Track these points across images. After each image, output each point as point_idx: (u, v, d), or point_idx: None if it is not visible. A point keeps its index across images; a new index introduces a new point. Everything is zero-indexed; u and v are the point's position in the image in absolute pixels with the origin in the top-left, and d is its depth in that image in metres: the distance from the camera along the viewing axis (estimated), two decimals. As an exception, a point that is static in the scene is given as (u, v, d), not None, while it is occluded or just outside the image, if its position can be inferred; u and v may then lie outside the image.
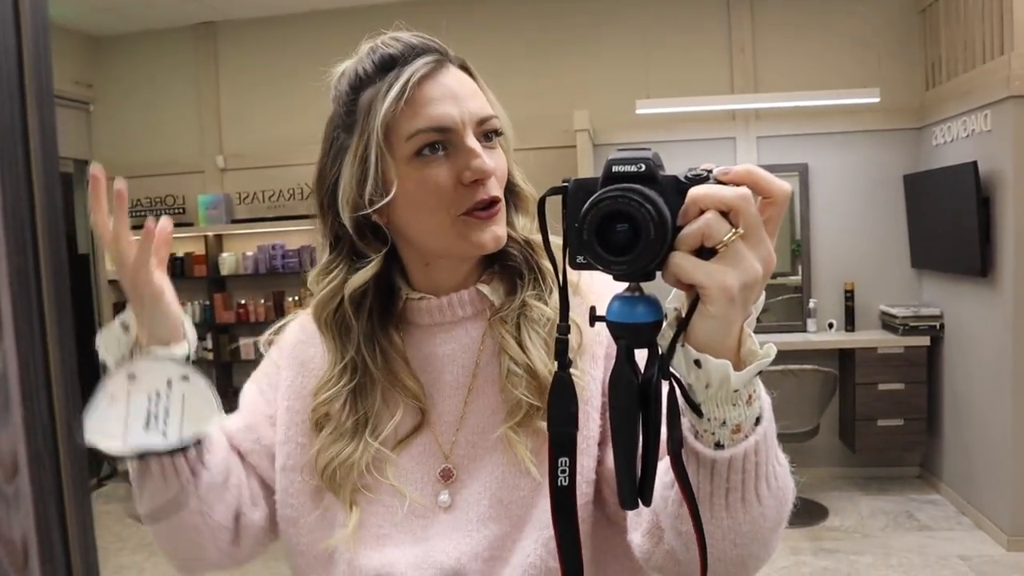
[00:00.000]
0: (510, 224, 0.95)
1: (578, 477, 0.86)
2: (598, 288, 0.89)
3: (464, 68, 0.92)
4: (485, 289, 0.95)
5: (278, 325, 1.04)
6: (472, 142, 0.85)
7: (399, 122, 0.85)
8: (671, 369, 0.65)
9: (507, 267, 0.96)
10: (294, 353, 1.01)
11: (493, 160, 0.88)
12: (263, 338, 1.03)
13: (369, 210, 0.87)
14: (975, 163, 4.03)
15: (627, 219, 0.59)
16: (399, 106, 0.84)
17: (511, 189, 0.95)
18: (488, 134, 0.89)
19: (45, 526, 0.28)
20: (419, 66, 0.86)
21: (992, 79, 4.01)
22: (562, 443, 0.69)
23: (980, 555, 3.92)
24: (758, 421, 0.67)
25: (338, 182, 0.91)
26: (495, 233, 0.88)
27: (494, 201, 0.87)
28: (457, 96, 0.87)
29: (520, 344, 0.91)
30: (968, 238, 4.13)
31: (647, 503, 0.67)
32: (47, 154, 0.27)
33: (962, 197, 4.13)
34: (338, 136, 0.92)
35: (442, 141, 0.86)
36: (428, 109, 0.85)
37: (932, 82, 4.88)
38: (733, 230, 0.59)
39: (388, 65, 0.87)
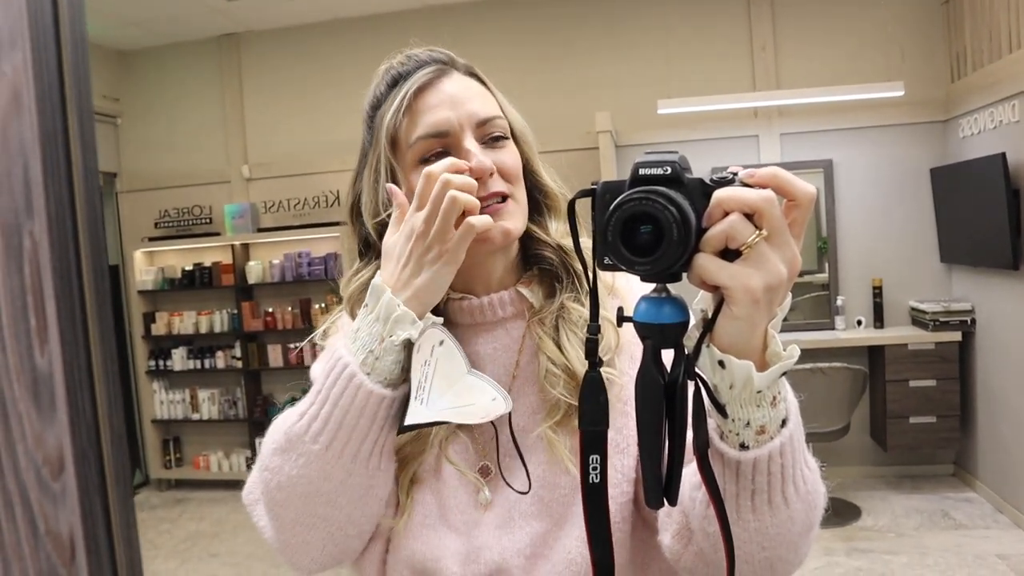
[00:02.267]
0: (543, 227, 0.97)
1: (618, 476, 0.88)
2: (635, 291, 0.90)
3: (472, 74, 0.95)
4: (524, 291, 0.96)
5: (330, 321, 1.03)
6: (469, 143, 0.88)
7: (402, 132, 0.90)
8: (697, 370, 0.65)
9: (545, 271, 0.98)
10: None
11: (498, 157, 0.90)
12: (317, 333, 1.01)
13: (384, 214, 0.91)
14: (1003, 154, 3.97)
15: (651, 220, 0.60)
16: (399, 117, 0.89)
17: (540, 189, 0.98)
18: (495, 135, 0.91)
19: (91, 521, 0.29)
20: (418, 77, 0.90)
21: (1019, 68, 3.95)
22: (593, 440, 0.70)
23: (1019, 553, 3.85)
24: (784, 424, 0.68)
25: (362, 193, 0.96)
26: (503, 228, 0.89)
27: (498, 196, 0.89)
28: (456, 101, 0.89)
29: (558, 345, 0.92)
30: (998, 231, 4.07)
31: (672, 503, 0.68)
32: (88, 165, 0.28)
33: (991, 189, 4.08)
34: (365, 153, 0.96)
35: (442, 145, 0.89)
36: (426, 116, 0.89)
37: (957, 74, 4.82)
38: (757, 232, 0.60)
39: (396, 81, 0.92)
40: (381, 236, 0.93)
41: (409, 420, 0.79)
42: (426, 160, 0.88)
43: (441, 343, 0.84)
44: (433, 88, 0.90)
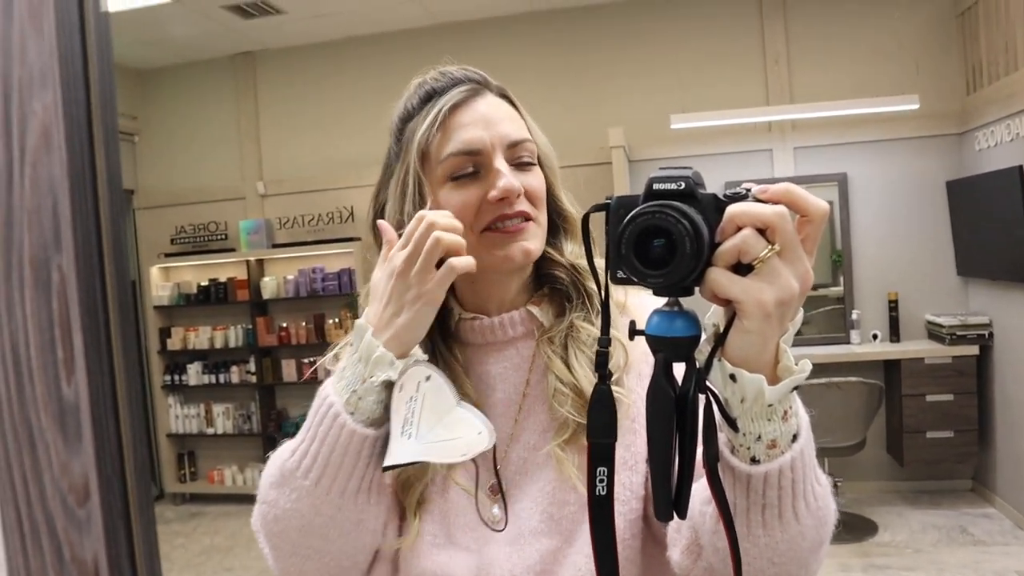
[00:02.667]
0: (558, 249, 0.98)
1: (627, 493, 0.88)
2: (647, 309, 0.91)
3: (504, 96, 0.96)
4: (535, 310, 0.97)
5: (339, 346, 1.01)
6: (500, 163, 0.89)
7: (433, 147, 0.91)
8: (708, 383, 0.66)
9: (556, 290, 0.99)
10: None
11: (526, 180, 0.91)
12: (327, 357, 1.01)
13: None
14: (1020, 167, 3.95)
15: (664, 234, 0.61)
16: (432, 132, 0.90)
17: (559, 213, 0.99)
18: (523, 158, 0.92)
19: (115, 548, 0.29)
20: (454, 95, 0.91)
21: (1035, 82, 3.93)
22: (601, 453, 0.71)
23: (1039, 570, 3.81)
24: (795, 438, 0.68)
25: (386, 204, 0.96)
26: (524, 247, 0.90)
27: (522, 216, 0.90)
28: (489, 121, 0.91)
29: (566, 363, 0.93)
30: (1015, 244, 4.04)
31: (682, 516, 0.68)
32: (113, 200, 0.29)
33: (1008, 202, 4.05)
34: (390, 164, 0.97)
35: (473, 164, 0.90)
36: (459, 134, 0.90)
37: (973, 86, 4.80)
38: (769, 247, 0.60)
39: (430, 97, 0.93)
40: None
41: (388, 461, 0.81)
42: (456, 178, 0.90)
43: (428, 378, 0.85)
44: (467, 107, 0.91)
